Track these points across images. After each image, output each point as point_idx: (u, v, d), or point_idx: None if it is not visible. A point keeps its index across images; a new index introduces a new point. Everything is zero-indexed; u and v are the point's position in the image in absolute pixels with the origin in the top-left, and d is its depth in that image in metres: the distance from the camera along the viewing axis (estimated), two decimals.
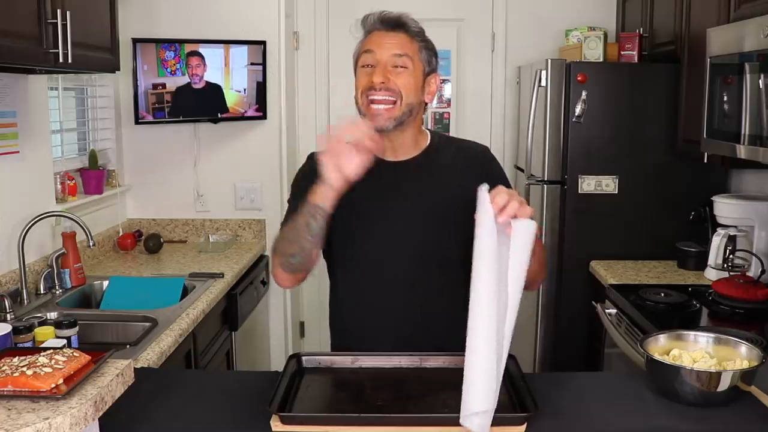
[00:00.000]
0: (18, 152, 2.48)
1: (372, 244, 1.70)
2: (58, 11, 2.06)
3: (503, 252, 1.34)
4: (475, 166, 1.73)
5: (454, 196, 1.68)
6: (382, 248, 1.70)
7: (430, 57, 1.69)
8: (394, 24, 1.65)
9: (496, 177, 1.72)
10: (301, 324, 3.89)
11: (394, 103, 1.62)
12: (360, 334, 1.74)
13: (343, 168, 1.48)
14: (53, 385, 1.18)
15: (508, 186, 1.75)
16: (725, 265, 2.68)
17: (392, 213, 1.69)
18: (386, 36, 1.64)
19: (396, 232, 1.69)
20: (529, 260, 1.34)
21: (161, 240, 3.29)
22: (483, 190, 1.36)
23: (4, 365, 1.23)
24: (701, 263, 2.85)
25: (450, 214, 1.68)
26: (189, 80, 3.19)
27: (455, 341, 1.66)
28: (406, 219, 1.69)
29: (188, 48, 3.17)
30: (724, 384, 1.40)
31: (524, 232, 1.35)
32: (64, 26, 2.08)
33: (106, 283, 2.70)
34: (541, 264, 1.68)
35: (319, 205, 1.52)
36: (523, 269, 1.34)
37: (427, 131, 1.78)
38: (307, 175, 1.66)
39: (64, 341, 1.86)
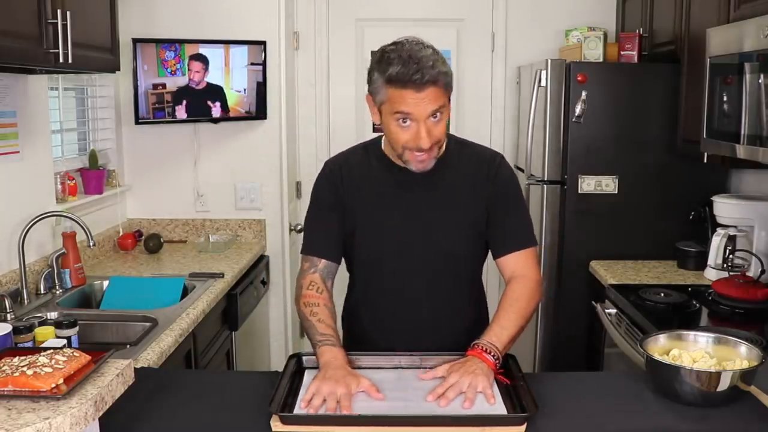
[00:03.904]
0: (18, 152, 2.48)
1: (384, 248, 1.75)
2: (58, 11, 2.06)
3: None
4: (483, 173, 1.76)
5: (462, 202, 1.73)
6: (394, 251, 1.74)
7: (451, 86, 1.63)
8: (426, 82, 1.55)
9: (501, 184, 1.76)
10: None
11: (437, 147, 1.65)
12: (376, 337, 1.79)
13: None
14: (53, 385, 1.18)
15: (514, 194, 1.79)
16: (725, 265, 2.67)
17: (405, 217, 1.73)
18: (419, 95, 1.55)
19: (408, 236, 1.73)
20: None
21: (161, 240, 3.29)
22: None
23: (4, 365, 1.23)
24: (701, 263, 2.85)
25: (458, 218, 1.73)
26: (188, 82, 3.18)
27: (462, 336, 1.68)
28: (417, 223, 1.73)
29: (191, 50, 3.16)
30: (723, 384, 1.40)
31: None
32: (64, 26, 2.08)
33: (106, 283, 2.70)
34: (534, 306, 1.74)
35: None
36: None
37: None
38: (323, 183, 1.79)
39: (64, 341, 1.86)
